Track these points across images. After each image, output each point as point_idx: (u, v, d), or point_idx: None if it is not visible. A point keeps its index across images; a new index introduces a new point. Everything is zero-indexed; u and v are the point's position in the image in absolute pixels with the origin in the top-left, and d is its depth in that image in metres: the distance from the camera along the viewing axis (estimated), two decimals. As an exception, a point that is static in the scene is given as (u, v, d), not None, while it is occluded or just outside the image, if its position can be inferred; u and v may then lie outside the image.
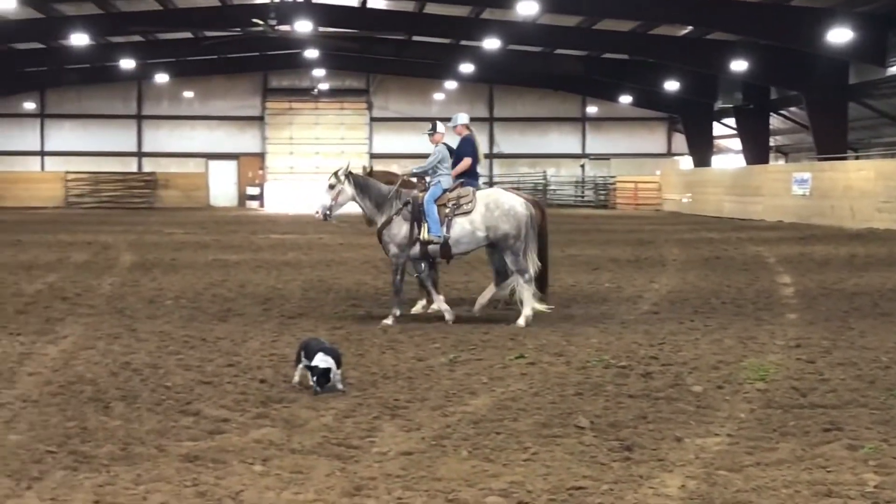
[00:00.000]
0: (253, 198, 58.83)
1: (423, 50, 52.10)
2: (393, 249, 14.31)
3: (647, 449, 7.73)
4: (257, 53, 54.18)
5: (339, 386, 9.75)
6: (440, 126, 14.95)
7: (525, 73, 55.60)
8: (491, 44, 43.60)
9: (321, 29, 43.65)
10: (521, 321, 13.93)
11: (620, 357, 11.49)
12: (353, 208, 14.79)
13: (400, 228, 14.25)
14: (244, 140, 61.20)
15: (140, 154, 60.92)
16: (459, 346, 12.27)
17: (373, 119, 61.81)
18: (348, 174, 14.43)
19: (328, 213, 14.32)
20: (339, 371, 9.83)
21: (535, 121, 61.77)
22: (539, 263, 14.59)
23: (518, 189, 18.83)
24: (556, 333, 13.17)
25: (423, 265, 14.61)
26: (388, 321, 13.96)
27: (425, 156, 15.04)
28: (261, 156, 61.16)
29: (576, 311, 15.36)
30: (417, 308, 14.91)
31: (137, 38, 48.94)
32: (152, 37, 49.24)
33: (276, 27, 38.77)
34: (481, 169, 15.80)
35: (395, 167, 15.35)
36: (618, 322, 14.25)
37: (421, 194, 14.40)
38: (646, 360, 11.38)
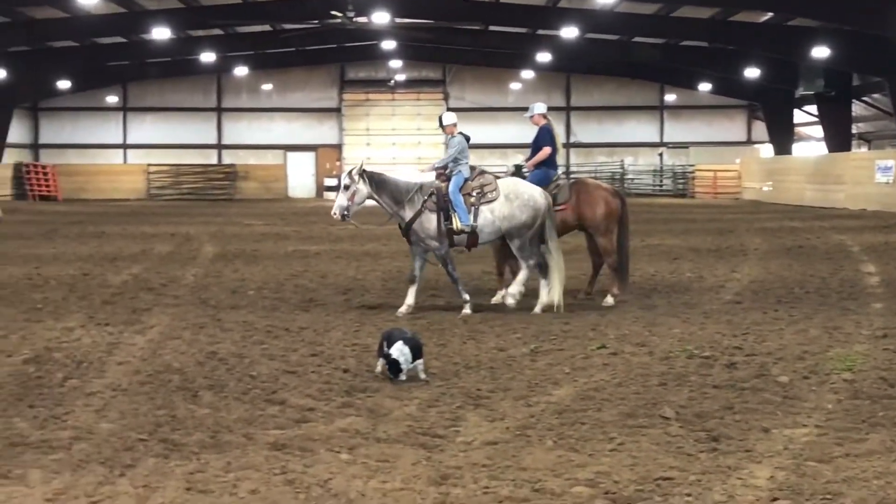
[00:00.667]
0: (331, 189, 59.12)
1: (500, 39, 51.95)
2: (432, 243, 14.32)
3: (735, 440, 7.67)
4: (334, 45, 54.45)
5: (422, 375, 9.80)
6: (447, 118, 14.96)
7: (602, 61, 55.22)
8: (568, 32, 43.34)
9: (398, 20, 43.78)
10: (510, 300, 14.16)
11: (704, 347, 11.40)
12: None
13: (430, 221, 14.27)
14: (322, 131, 61.58)
15: (220, 146, 61.58)
16: (540, 336, 12.26)
17: (449, 109, 61.80)
18: (362, 173, 14.43)
19: (346, 213, 14.28)
20: (421, 360, 9.88)
21: (613, 109, 61.36)
22: (620, 254, 14.60)
23: (596, 178, 18.65)
24: (637, 324, 13.10)
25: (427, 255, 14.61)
26: (466, 310, 14.00)
27: (502, 146, 15.06)
28: (338, 147, 61.49)
29: (657, 301, 15.26)
30: (497, 298, 14.91)
31: (217, 31, 49.48)
32: (232, 30, 49.73)
33: (354, 19, 38.96)
34: (559, 158, 15.76)
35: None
36: (700, 312, 14.13)
37: (444, 185, 14.44)
38: (730, 350, 11.29)
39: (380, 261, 21.48)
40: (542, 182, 15.03)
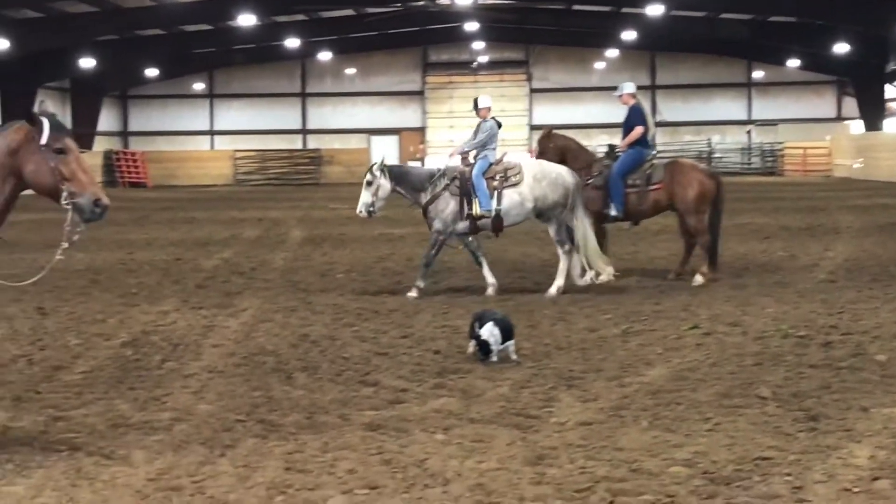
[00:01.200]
0: (415, 172, 59.24)
1: (584, 18, 51.58)
2: (437, 225, 14.28)
3: (833, 419, 7.57)
4: (417, 28, 54.50)
5: (513, 357, 9.80)
6: (483, 101, 14.93)
7: (688, 38, 54.53)
8: (654, 10, 42.86)
9: (481, 1, 43.69)
10: (553, 290, 14.00)
11: (799, 327, 11.25)
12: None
13: (447, 204, 14.23)
14: (405, 115, 61.74)
15: (304, 131, 62.06)
16: (631, 316, 12.19)
17: (532, 90, 61.60)
18: (383, 168, 14.42)
19: (371, 209, 14.32)
20: (512, 342, 9.88)
21: (699, 87, 60.61)
22: (712, 234, 14.49)
23: (698, 159, 18.33)
24: (730, 303, 12.96)
25: (471, 238, 14.60)
26: (413, 293, 14.00)
27: (587, 126, 14.99)
28: (421, 130, 61.63)
29: (749, 281, 15.08)
30: (586, 279, 14.85)
31: (301, 17, 49.81)
32: (315, 15, 50.03)
33: (437, 1, 38.94)
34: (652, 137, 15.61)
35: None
36: (793, 291, 13.93)
37: (467, 169, 14.39)
38: (825, 329, 11.13)
39: (466, 243, 21.45)
40: (637, 162, 14.93)
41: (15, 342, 11.09)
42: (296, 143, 61.58)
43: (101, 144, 56.60)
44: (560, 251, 14.25)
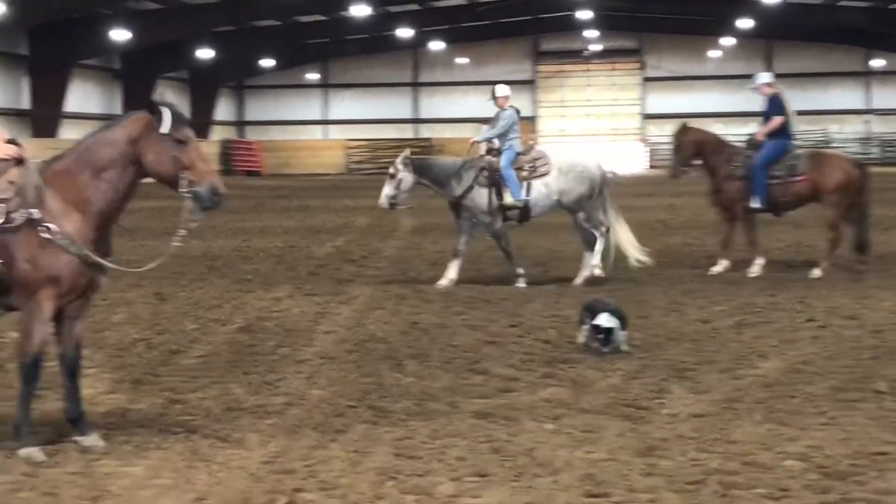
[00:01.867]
0: (525, 161, 59.09)
1: (698, 6, 50.91)
2: (484, 218, 14.27)
3: (954, 415, 7.37)
4: (529, 17, 54.36)
5: (624, 347, 9.73)
6: (500, 90, 14.90)
7: (805, 26, 53.45)
8: (770, -3, 42.11)
9: (594, -10, 43.35)
10: (579, 280, 14.08)
11: (919, 320, 10.97)
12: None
13: (482, 196, 14.20)
14: (516, 104, 61.18)
15: (416, 121, 62.36)
16: (745, 308, 12.02)
17: (645, 79, 60.95)
18: (406, 161, 14.38)
19: (393, 202, 14.31)
20: (623, 332, 9.81)
21: (816, 76, 59.20)
22: (861, 225, 14.62)
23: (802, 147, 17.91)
24: (847, 296, 12.69)
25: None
26: (521, 283, 14.03)
27: (700, 115, 14.79)
28: (532, 119, 61.39)
29: (866, 273, 14.71)
30: (718, 268, 14.71)
31: (414, 6, 50.04)
32: (428, 5, 50.21)
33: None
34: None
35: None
36: (914, 284, 13.59)
37: (495, 160, 14.28)
38: (946, 323, 10.83)
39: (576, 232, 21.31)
40: (779, 153, 14.71)
41: (135, 326, 11.37)
42: (407, 132, 61.83)
43: (217, 134, 57.66)
44: (597, 234, 14.27)
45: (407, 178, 14.31)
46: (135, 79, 48.93)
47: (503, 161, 14.25)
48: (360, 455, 6.72)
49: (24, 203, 6.68)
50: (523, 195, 14.16)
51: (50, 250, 6.65)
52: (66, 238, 6.66)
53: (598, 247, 14.24)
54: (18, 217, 6.66)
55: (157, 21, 43.79)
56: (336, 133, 61.73)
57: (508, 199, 14.13)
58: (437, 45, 58.05)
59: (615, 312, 9.79)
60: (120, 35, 42.35)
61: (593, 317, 9.78)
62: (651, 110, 59.80)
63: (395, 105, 61.93)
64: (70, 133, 40.67)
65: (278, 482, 6.22)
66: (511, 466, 6.48)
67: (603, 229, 14.26)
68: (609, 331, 9.61)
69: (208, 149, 53.68)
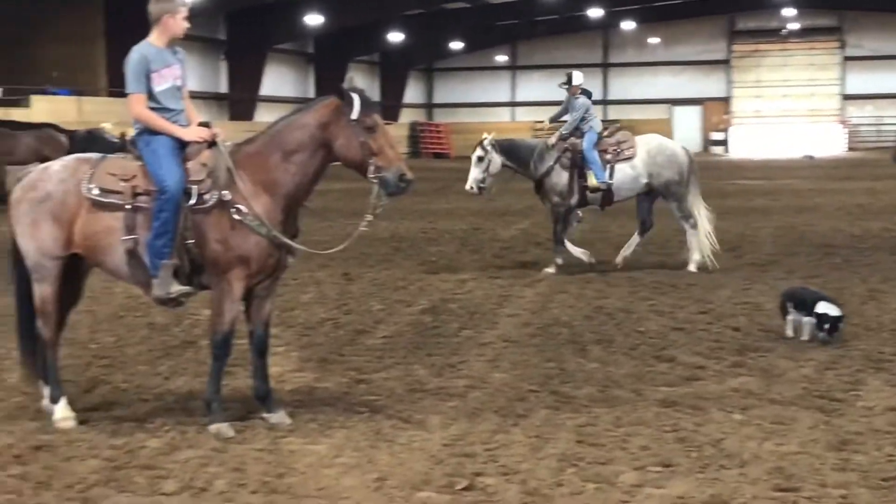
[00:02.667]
0: (717, 143, 57.95)
1: (903, -18, 48.81)
2: (555, 199, 13.94)
3: None
4: (724, -5, 53.18)
5: (821, 336, 9.36)
6: (577, 77, 14.60)
7: None
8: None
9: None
10: (692, 267, 13.63)
11: None
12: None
13: (560, 177, 13.86)
14: (708, 85, 60.30)
15: (605, 101, 61.73)
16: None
17: (845, 58, 58.77)
18: (494, 143, 14.03)
19: (481, 185, 14.01)
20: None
21: None
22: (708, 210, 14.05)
23: None
24: None
25: (579, 213, 14.33)
26: (551, 269, 13.68)
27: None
28: (726, 100, 60.06)
29: None
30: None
31: (604, -14, 49.59)
32: (620, -16, 49.65)
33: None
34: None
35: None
36: None
37: (578, 142, 13.94)
38: None
39: (770, 217, 20.79)
40: (593, 141, 14.17)
41: (322, 306, 11.57)
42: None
43: (406, 116, 58.36)
44: (686, 226, 14.00)
45: (495, 160, 14.18)
46: (327, 62, 49.96)
47: (585, 143, 14.01)
48: (542, 440, 6.65)
49: (215, 185, 6.85)
50: (606, 178, 13.86)
51: (240, 231, 6.80)
52: (255, 219, 6.79)
53: (694, 242, 13.95)
54: (210, 198, 6.83)
55: (350, 5, 44.53)
56: (524, 115, 61.61)
57: (592, 181, 13.86)
58: (627, 25, 57.34)
59: (830, 300, 9.42)
60: (313, 20, 43.29)
61: (798, 306, 9.42)
62: (851, 90, 57.71)
63: (583, 86, 61.32)
64: (265, 116, 41.78)
65: (459, 465, 6.21)
66: (697, 457, 6.31)
67: (692, 221, 13.96)
68: (838, 319, 9.24)
69: (397, 132, 54.49)
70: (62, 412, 7.03)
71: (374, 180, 6.87)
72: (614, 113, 60.67)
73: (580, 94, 14.57)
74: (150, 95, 7.03)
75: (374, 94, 55.20)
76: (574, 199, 14.04)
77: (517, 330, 10.16)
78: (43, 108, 29.78)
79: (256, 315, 7.15)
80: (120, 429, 6.88)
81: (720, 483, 5.88)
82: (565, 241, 14.10)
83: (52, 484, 5.92)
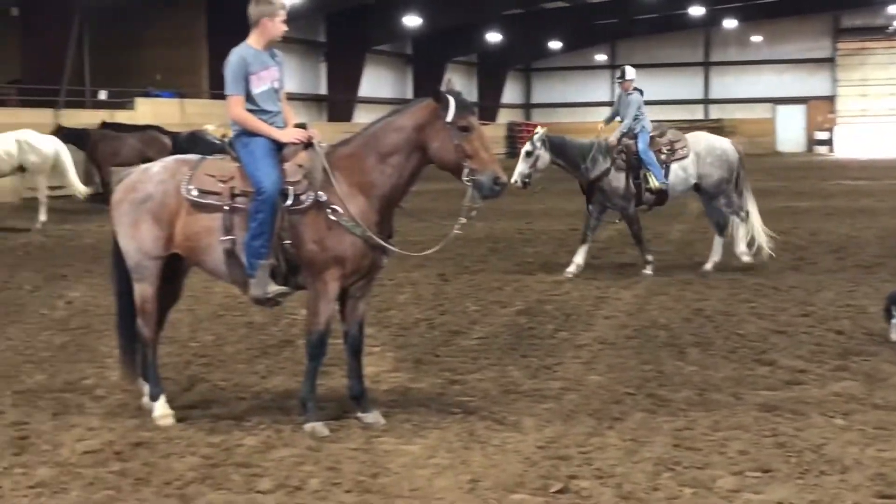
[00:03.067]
0: (822, 143, 56.86)
1: None
2: (619, 202, 13.71)
3: None
4: (829, -7, 52.17)
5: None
6: (630, 72, 14.39)
7: None
8: None
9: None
10: (745, 257, 13.69)
11: None
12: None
13: (619, 180, 13.65)
14: (813, 83, 59.17)
15: (706, 101, 61.02)
16: None
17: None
18: (544, 139, 13.75)
19: (527, 180, 13.69)
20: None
21: None
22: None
23: None
24: None
25: (599, 217, 14.07)
26: (648, 271, 13.52)
27: None
28: (830, 99, 58.91)
29: None
30: (747, 257, 13.84)
31: (706, -16, 48.98)
32: (721, -18, 49.02)
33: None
34: None
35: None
36: None
37: (632, 143, 13.71)
38: None
39: (876, 218, 20.32)
40: (647, 141, 13.77)
41: (418, 306, 11.60)
42: (697, 113, 60.59)
43: (504, 116, 58.30)
44: (737, 219, 13.78)
45: (543, 156, 13.92)
46: (425, 63, 50.15)
47: (640, 144, 13.79)
48: (637, 444, 6.57)
49: (312, 186, 6.90)
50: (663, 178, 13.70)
51: (336, 232, 6.84)
52: (351, 220, 6.83)
53: (742, 232, 13.76)
54: (307, 199, 6.88)
55: (448, 6, 44.63)
56: (623, 114, 61.07)
57: (653, 182, 13.64)
58: (730, 23, 56.55)
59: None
60: (412, 21, 43.48)
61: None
62: (960, 88, 56.20)
63: (684, 85, 60.77)
64: (363, 117, 42.07)
65: (553, 467, 6.16)
66: (796, 462, 6.19)
67: (743, 214, 13.74)
68: None
69: (495, 132, 54.50)
70: (161, 410, 7.15)
71: (469, 183, 6.86)
72: (716, 112, 60.05)
73: (633, 90, 14.35)
74: (248, 97, 7.12)
75: (472, 95, 55.51)
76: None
77: (614, 332, 10.07)
78: (147, 111, 30.37)
79: (351, 315, 7.18)
80: (217, 427, 6.97)
81: (820, 489, 5.75)
82: (642, 239, 14.01)
83: (150, 480, 6.01)
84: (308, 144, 7.08)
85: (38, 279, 13.65)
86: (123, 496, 5.79)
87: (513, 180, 14.02)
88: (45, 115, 26.57)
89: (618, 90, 14.77)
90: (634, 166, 13.78)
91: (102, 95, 31.32)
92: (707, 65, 61.06)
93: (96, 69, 33.86)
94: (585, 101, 61.77)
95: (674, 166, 13.80)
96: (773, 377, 8.23)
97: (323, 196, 6.86)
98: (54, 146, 20.47)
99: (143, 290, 7.21)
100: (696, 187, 13.97)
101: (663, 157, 13.82)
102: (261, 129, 7.08)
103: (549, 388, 7.94)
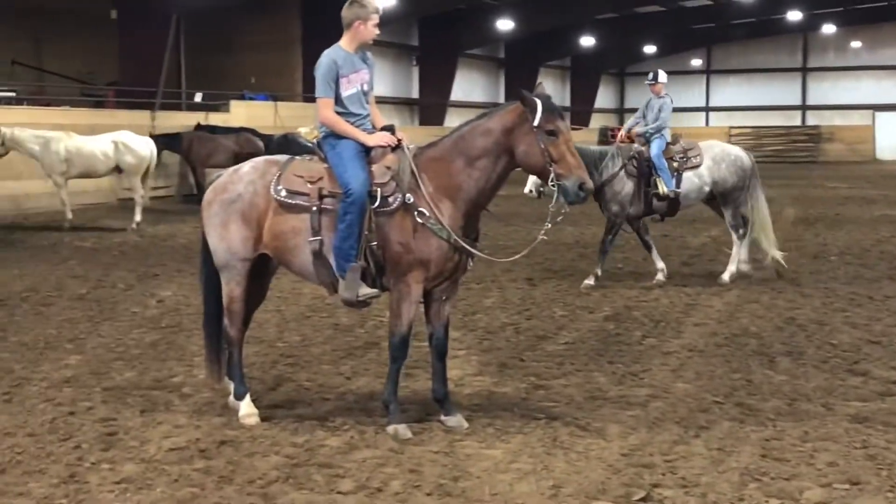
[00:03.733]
0: (923, 151, 55.54)
1: None
2: (614, 208, 13.30)
3: None
4: (932, -4, 50.92)
5: None
6: (662, 75, 14.10)
7: None
8: None
9: None
10: (726, 276, 13.38)
11: None
12: None
13: (623, 185, 13.27)
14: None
15: (804, 107, 60.01)
16: None
17: None
18: None
19: (542, 189, 13.14)
20: None
21: None
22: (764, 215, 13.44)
23: None
24: None
25: (641, 223, 13.73)
26: (590, 281, 13.13)
27: None
28: (932, 106, 57.54)
29: None
30: (748, 268, 13.42)
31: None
32: (820, -14, 48.18)
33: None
34: None
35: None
36: None
37: (644, 148, 13.39)
38: None
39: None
40: (661, 148, 13.31)
41: (504, 310, 11.55)
42: (794, 119, 59.67)
43: (597, 121, 57.95)
44: (734, 236, 13.48)
45: None
46: (517, 67, 50.08)
47: (654, 150, 13.45)
48: (724, 454, 6.46)
49: (399, 188, 6.91)
50: (674, 186, 13.38)
51: (422, 234, 6.84)
52: (437, 223, 6.82)
53: (736, 252, 13.56)
54: (394, 201, 6.90)
55: (541, 10, 44.51)
56: (718, 120, 60.45)
57: (663, 188, 13.31)
58: (828, 28, 55.56)
59: None
60: (504, 24, 43.46)
61: None
62: None
63: (781, 91, 59.85)
64: (455, 121, 42.09)
65: (636, 475, 6.08)
66: (887, 476, 6.04)
67: (741, 232, 13.47)
68: None
69: (587, 136, 54.20)
70: (246, 409, 7.21)
71: (554, 188, 6.82)
72: (813, 118, 59.03)
73: (665, 94, 14.12)
74: (337, 100, 7.15)
75: (564, 99, 55.35)
76: (636, 209, 13.54)
77: (703, 339, 9.92)
78: (241, 113, 30.75)
79: (436, 318, 7.17)
80: (301, 427, 7.00)
81: (912, 505, 5.60)
82: (652, 249, 13.74)
83: (233, 479, 6.05)
84: (396, 146, 7.09)
85: (131, 278, 13.88)
86: (207, 494, 5.84)
87: (526, 190, 13.92)
88: (142, 117, 27.01)
89: (648, 94, 14.45)
90: (645, 173, 13.50)
91: (198, 98, 31.78)
92: (805, 70, 60.04)
93: (192, 72, 34.40)
94: (681, 105, 60.97)
95: (687, 174, 13.50)
96: (865, 388, 8.04)
97: (410, 198, 6.86)
98: (150, 148, 20.82)
99: (231, 290, 7.28)
100: (710, 196, 13.70)
101: (676, 164, 13.52)
102: (348, 132, 7.11)
103: (635, 395, 7.85)
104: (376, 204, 6.90)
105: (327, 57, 7.16)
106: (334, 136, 7.15)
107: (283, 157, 7.45)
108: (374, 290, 7.02)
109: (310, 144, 21.65)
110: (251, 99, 33.03)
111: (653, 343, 9.78)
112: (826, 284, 13.12)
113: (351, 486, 5.92)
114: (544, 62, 52.03)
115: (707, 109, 61.49)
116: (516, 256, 7.39)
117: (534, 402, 7.70)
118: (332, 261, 7.00)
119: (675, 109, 14.61)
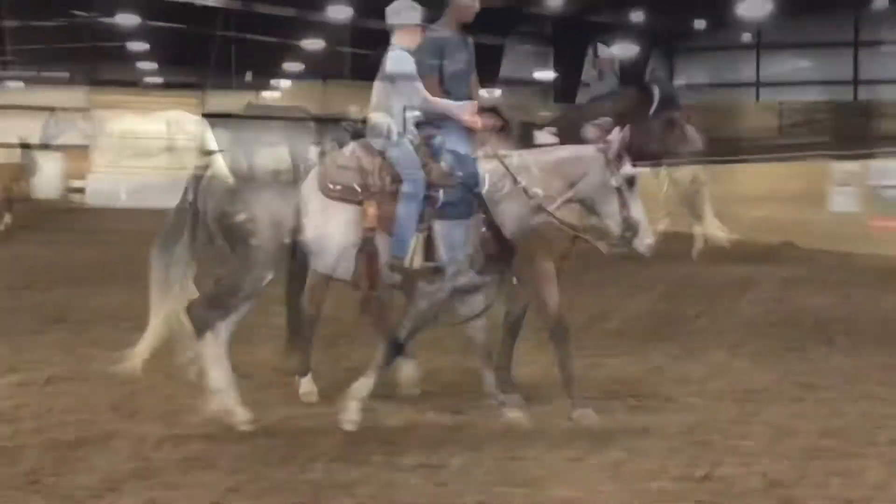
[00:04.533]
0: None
1: None
2: None
3: None
4: None
5: None
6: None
7: None
8: None
9: None
10: None
11: None
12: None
13: None
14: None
15: (856, 82, 59.14)
16: None
17: None
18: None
19: None
20: None
21: None
22: None
23: None
24: None
25: None
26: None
27: None
28: None
29: None
30: None
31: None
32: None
33: None
34: None
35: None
36: None
37: None
38: None
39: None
40: None
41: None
42: (846, 95, 58.78)
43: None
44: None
45: None
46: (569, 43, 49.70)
47: None
48: (783, 432, 6.43)
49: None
50: None
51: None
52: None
53: None
54: (503, 185, 6.71)
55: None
56: (768, 95, 59.68)
57: None
58: (881, 2, 54.61)
59: None
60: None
61: None
62: None
63: (833, 65, 58.98)
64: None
65: (696, 454, 6.04)
66: None
67: None
68: None
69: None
70: (307, 386, 7.26)
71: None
72: (865, 94, 58.08)
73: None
74: (441, 80, 7.06)
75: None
76: None
77: (759, 317, 9.87)
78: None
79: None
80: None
81: None
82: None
83: (296, 457, 6.08)
84: (502, 129, 7.05)
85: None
86: (269, 471, 5.88)
87: None
88: (193, 98, 27.20)
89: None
90: None
91: (248, 78, 31.96)
92: (856, 44, 59.17)
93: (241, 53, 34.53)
94: (730, 80, 60.48)
95: None
96: (922, 366, 7.99)
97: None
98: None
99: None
100: None
101: None
102: (447, 109, 6.91)
103: (692, 373, 7.82)
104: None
105: (428, 37, 6.95)
106: (438, 117, 6.90)
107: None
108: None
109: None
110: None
111: (709, 322, 9.74)
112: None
113: (411, 463, 5.95)
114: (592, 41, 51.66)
115: (758, 84, 60.76)
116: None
117: (591, 381, 7.69)
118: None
119: (725, 85, 14.46)
